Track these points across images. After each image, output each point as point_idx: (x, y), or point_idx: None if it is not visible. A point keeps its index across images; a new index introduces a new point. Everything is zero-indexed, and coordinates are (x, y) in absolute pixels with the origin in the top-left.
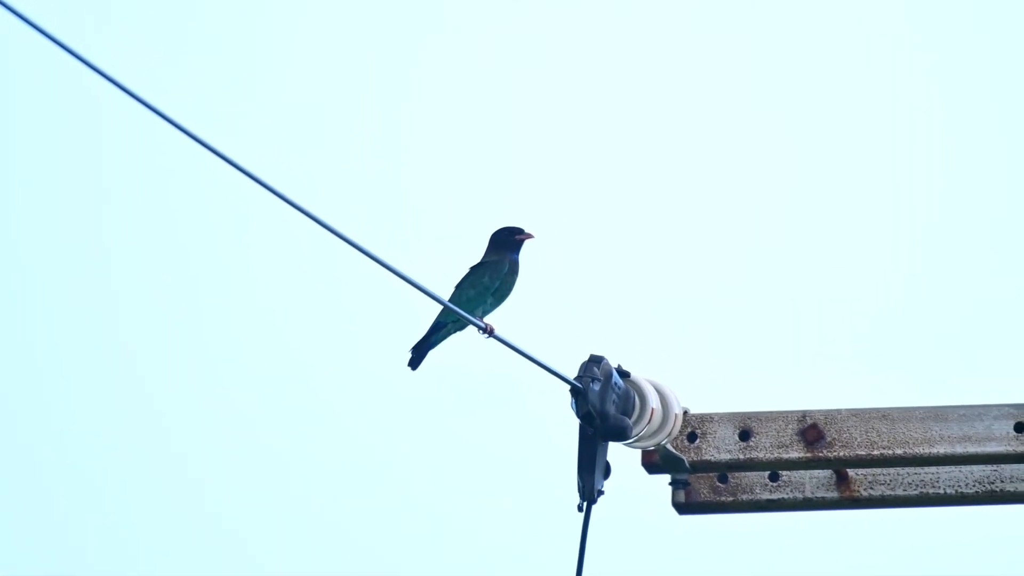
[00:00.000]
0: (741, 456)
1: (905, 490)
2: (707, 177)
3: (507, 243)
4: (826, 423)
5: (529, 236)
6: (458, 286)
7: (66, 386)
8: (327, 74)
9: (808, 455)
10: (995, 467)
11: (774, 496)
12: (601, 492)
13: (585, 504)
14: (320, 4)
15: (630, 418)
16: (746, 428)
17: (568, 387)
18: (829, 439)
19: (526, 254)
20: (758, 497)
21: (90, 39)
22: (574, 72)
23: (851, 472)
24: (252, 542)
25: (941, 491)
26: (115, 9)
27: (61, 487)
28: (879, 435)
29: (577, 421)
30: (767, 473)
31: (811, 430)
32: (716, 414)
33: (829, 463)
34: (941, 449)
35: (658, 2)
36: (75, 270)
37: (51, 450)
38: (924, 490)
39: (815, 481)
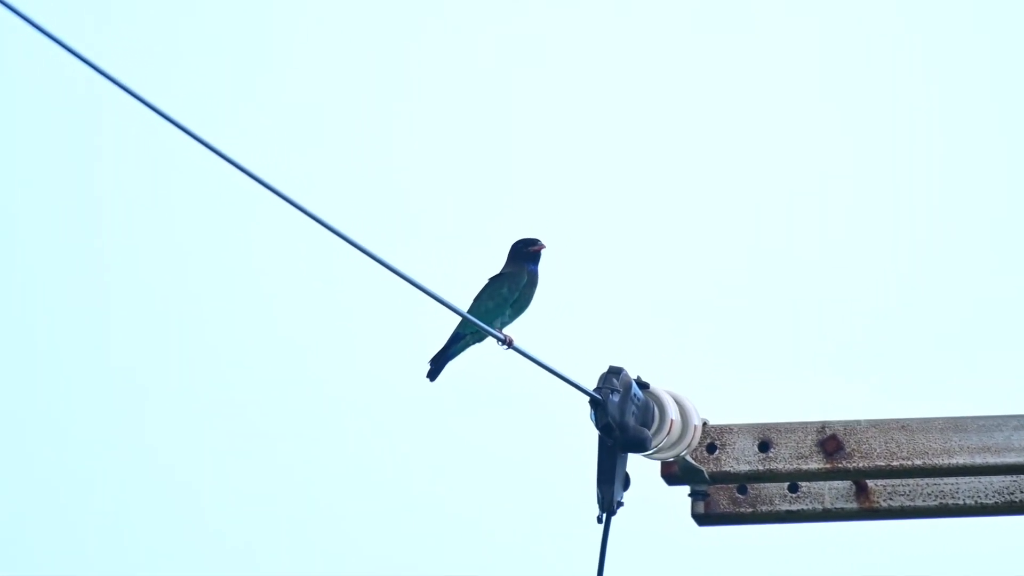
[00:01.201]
0: (760, 467)
1: (924, 501)
2: (728, 185)
3: (524, 254)
4: (845, 434)
5: (542, 247)
6: (477, 298)
7: (65, 386)
8: (331, 78)
9: (827, 466)
10: (1015, 477)
11: (793, 507)
12: (621, 503)
13: (605, 515)
14: (321, 4)
15: (649, 429)
16: (765, 439)
17: (587, 399)
18: (848, 450)
19: (545, 265)
20: (777, 508)
21: (87, 38)
22: (599, 74)
23: (870, 483)
24: (263, 548)
25: (961, 502)
26: (111, 8)
27: (60, 487)
28: (898, 446)
29: (596, 433)
30: (786, 484)
31: (830, 441)
32: (735, 425)
33: (848, 474)
34: (960, 460)
35: (658, 2)
36: (73, 269)
37: (50, 450)
38: (943, 501)
39: (834, 492)
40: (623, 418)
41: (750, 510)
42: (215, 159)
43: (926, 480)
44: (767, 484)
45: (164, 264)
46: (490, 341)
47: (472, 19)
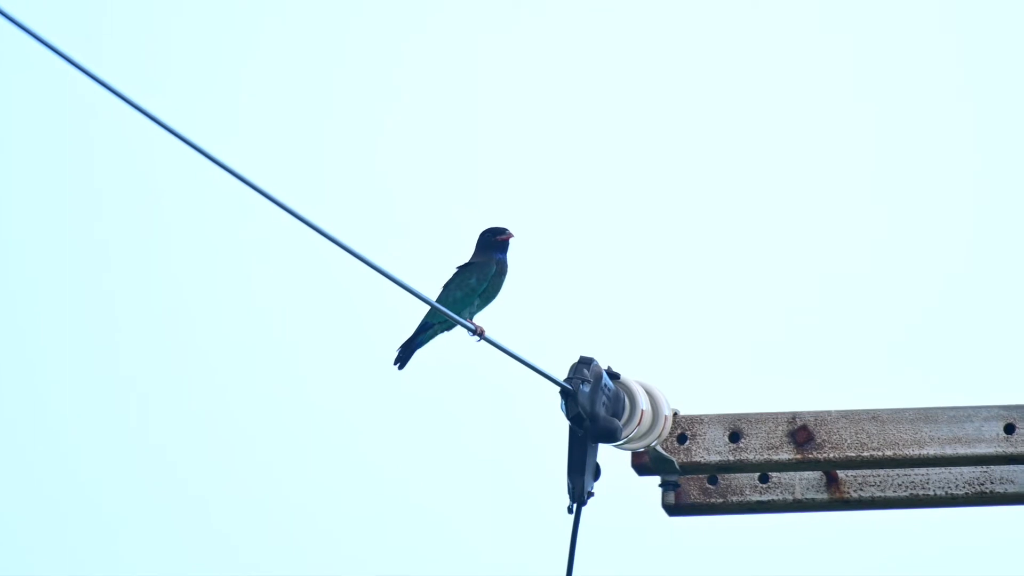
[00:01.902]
0: (731, 458)
1: (895, 491)
2: (697, 176)
3: (493, 244)
4: (816, 424)
5: (509, 236)
6: (445, 287)
7: (60, 388)
8: (313, 72)
9: (798, 456)
10: (985, 468)
11: (764, 497)
12: (591, 494)
13: (575, 505)
14: (308, 4)
15: (620, 420)
16: (736, 430)
17: (558, 389)
18: (819, 440)
19: (515, 255)
20: (748, 499)
21: (74, 40)
22: (561, 70)
23: (841, 473)
24: (237, 540)
25: (931, 492)
26: (98, 10)
27: (55, 488)
28: (869, 436)
29: (567, 423)
30: (757, 475)
31: (801, 431)
32: (706, 416)
33: (819, 464)
34: (931, 450)
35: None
36: (67, 272)
37: (44, 451)
38: (914, 491)
39: (805, 482)
40: (594, 408)
41: (721, 500)
42: (198, 158)
43: (896, 471)
44: (738, 474)
45: (150, 262)
46: (459, 330)
47: (464, 17)
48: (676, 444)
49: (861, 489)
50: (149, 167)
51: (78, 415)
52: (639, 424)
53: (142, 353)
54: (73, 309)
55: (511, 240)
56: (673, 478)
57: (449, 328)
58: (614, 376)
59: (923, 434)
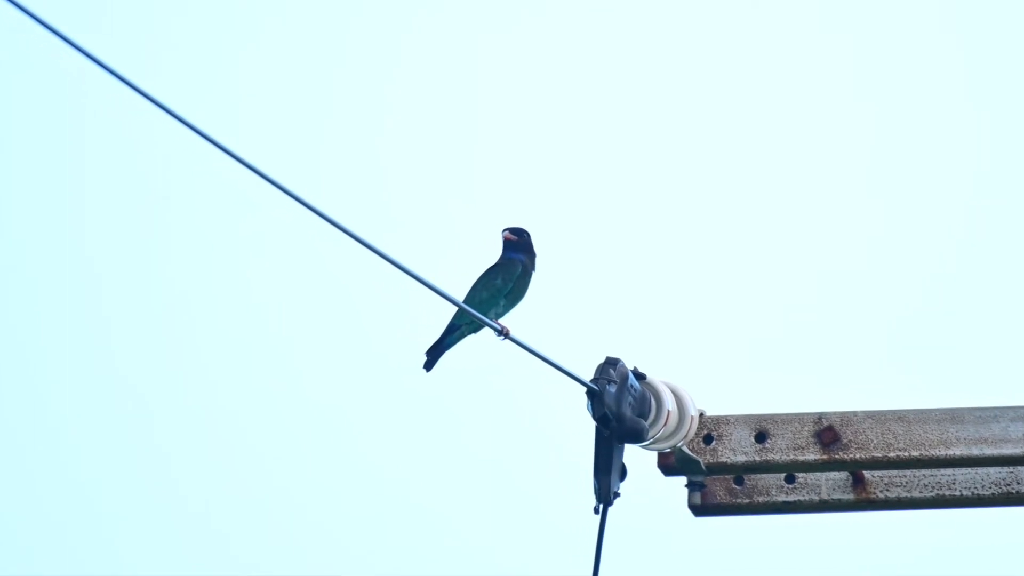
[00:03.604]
0: (757, 458)
1: (921, 492)
2: (721, 176)
3: (517, 245)
4: (842, 425)
5: (508, 236)
6: (472, 288)
7: (58, 385)
8: (313, 70)
9: (824, 457)
10: (1011, 469)
11: (790, 498)
12: (617, 494)
13: (601, 506)
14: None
15: (646, 420)
16: (762, 430)
17: (584, 389)
18: (845, 441)
19: (541, 256)
20: (774, 499)
21: (77, 26)
22: (564, 69)
23: (867, 474)
24: (254, 544)
25: (957, 493)
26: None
27: (54, 487)
28: (895, 437)
29: (593, 423)
30: (783, 475)
31: (827, 432)
32: (732, 416)
33: (845, 465)
34: (957, 451)
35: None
36: (64, 264)
37: (42, 450)
38: (940, 492)
39: (831, 483)
40: (620, 409)
41: (747, 501)
42: (222, 157)
43: (923, 471)
44: (764, 475)
45: (151, 253)
46: (486, 331)
47: (499, 15)
48: (702, 445)
49: (887, 490)
50: (155, 162)
51: (76, 412)
52: (665, 425)
53: (142, 352)
54: (72, 304)
55: (512, 240)
56: (699, 479)
57: (476, 330)
58: (640, 377)
59: (949, 435)
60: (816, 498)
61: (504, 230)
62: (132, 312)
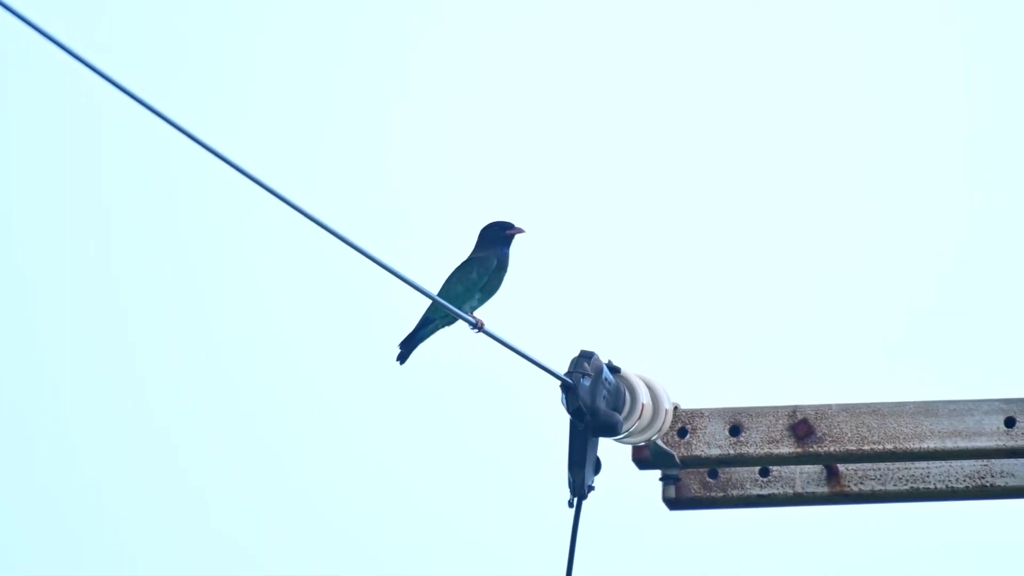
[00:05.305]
0: (731, 451)
1: (895, 485)
2: (696, 172)
3: (497, 238)
4: (816, 418)
5: (520, 231)
6: (446, 281)
7: (62, 383)
8: (316, 67)
9: (798, 450)
10: (985, 462)
11: (764, 491)
12: (592, 488)
13: (576, 500)
14: (310, 1)
15: (620, 414)
16: (736, 423)
17: (558, 383)
18: (819, 434)
19: (516, 249)
20: (748, 492)
21: (80, 36)
22: (561, 69)
23: (841, 467)
24: (237, 537)
25: (931, 486)
26: (103, 6)
27: (59, 486)
28: (869, 430)
29: (567, 417)
30: (757, 468)
31: (801, 425)
32: (706, 409)
33: (819, 458)
34: (931, 444)
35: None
36: (71, 267)
37: (49, 449)
38: (914, 485)
39: (805, 476)
40: (594, 402)
41: (721, 494)
42: (202, 153)
43: (897, 464)
44: (738, 468)
45: (153, 257)
46: (460, 324)
47: (465, 14)
48: (677, 438)
49: (861, 483)
50: (154, 164)
51: (81, 409)
52: (640, 418)
53: (142, 351)
54: (77, 304)
55: (520, 235)
56: (674, 472)
57: (450, 323)
58: (615, 370)
59: (923, 428)
60: (790, 491)
61: (511, 225)
62: (132, 312)
